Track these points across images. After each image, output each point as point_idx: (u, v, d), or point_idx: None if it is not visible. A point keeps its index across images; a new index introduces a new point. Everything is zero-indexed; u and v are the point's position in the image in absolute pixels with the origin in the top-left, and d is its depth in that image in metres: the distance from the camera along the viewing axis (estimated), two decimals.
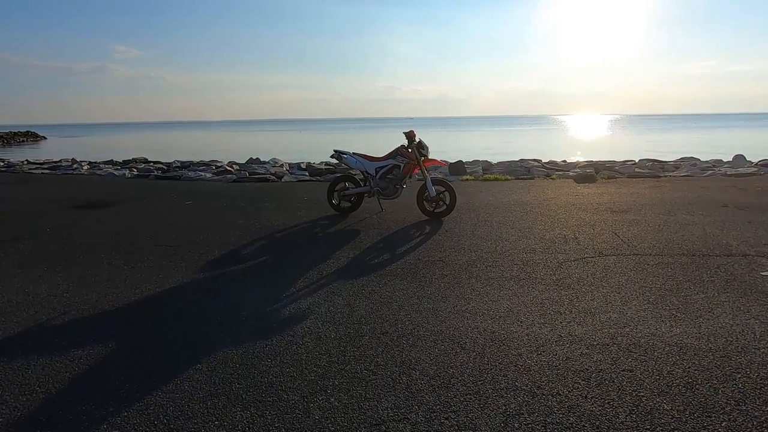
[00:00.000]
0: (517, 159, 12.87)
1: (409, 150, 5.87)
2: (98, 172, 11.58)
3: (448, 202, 5.83)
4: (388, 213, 6.23)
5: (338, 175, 9.67)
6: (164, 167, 12.30)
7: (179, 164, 13.00)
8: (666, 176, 9.54)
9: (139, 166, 12.52)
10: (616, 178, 9.35)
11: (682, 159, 12.92)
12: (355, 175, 6.57)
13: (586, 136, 49.09)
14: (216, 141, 46.40)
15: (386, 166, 5.94)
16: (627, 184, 8.60)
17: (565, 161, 12.48)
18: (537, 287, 3.54)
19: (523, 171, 10.49)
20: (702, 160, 12.49)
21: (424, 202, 5.88)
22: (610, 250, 4.42)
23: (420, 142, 5.85)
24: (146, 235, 5.27)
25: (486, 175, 9.53)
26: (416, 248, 4.59)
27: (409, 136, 5.84)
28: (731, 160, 12.10)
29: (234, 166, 12.29)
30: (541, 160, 12.46)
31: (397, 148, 5.93)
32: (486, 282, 3.66)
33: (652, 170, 10.48)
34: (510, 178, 9.42)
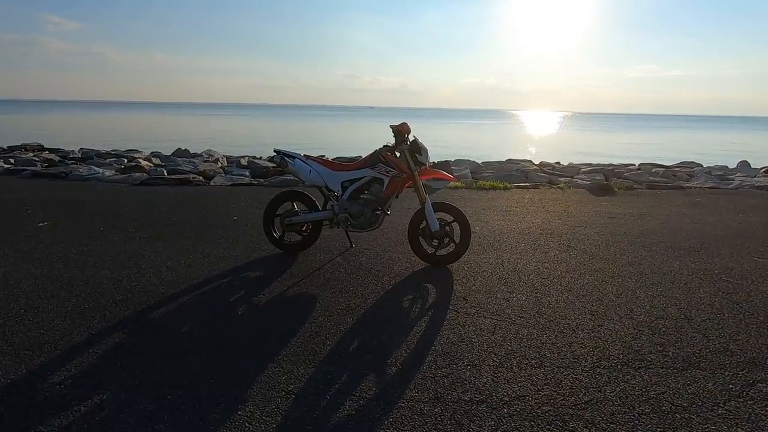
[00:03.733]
0: (505, 159, 10.95)
1: (397, 155, 3.62)
2: None
3: (458, 240, 3.63)
4: (360, 252, 3.96)
5: (285, 180, 7.26)
6: (55, 159, 9.30)
7: (79, 155, 10.02)
8: (691, 188, 7.86)
9: (22, 156, 9.43)
10: (635, 189, 7.57)
11: (683, 163, 11.52)
12: (301, 185, 4.22)
13: (550, 131, 48.79)
14: (152, 125, 41.70)
15: (360, 179, 3.65)
16: (655, 198, 6.83)
17: (559, 163, 10.67)
18: None
19: (520, 176, 8.51)
20: (704, 165, 11.15)
21: (421, 238, 3.66)
22: None
23: (415, 141, 3.60)
24: None
25: (480, 182, 7.44)
26: (425, 356, 2.36)
27: (401, 130, 3.55)
28: (737, 166, 10.89)
29: (153, 159, 9.50)
30: (532, 161, 10.58)
31: (378, 151, 3.64)
32: None
33: (667, 179, 8.84)
34: (509, 185, 7.39)
